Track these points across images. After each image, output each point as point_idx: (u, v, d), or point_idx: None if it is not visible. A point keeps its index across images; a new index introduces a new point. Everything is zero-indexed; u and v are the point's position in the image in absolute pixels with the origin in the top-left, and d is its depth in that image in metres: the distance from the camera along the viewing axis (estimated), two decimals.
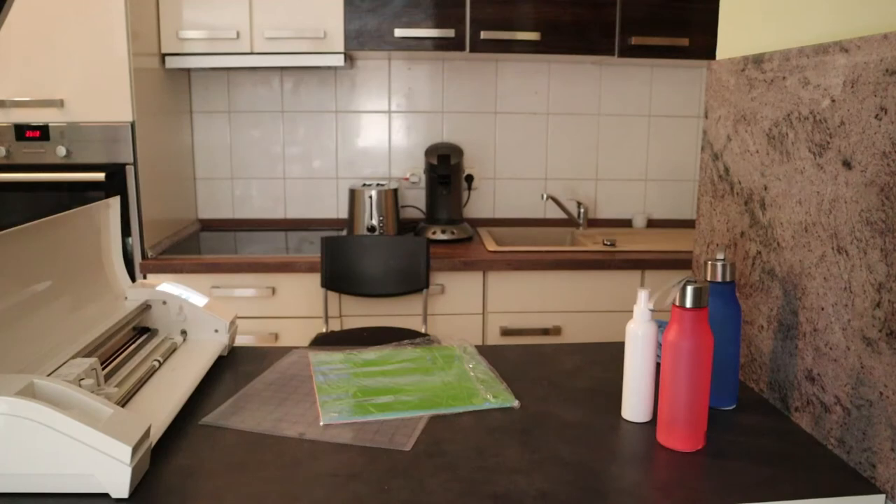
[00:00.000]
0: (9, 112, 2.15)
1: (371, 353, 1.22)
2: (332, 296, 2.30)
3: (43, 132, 2.16)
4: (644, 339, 0.93)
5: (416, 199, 2.83)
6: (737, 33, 1.17)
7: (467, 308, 2.32)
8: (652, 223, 2.90)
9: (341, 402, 1.02)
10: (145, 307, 1.19)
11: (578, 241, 2.71)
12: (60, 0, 2.10)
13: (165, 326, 1.20)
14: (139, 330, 1.18)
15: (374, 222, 2.51)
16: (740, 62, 1.11)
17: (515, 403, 1.02)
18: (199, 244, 2.52)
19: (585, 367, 1.17)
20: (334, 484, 0.79)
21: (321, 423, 0.95)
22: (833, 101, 0.88)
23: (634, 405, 0.95)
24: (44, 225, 0.99)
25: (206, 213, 2.81)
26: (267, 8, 2.34)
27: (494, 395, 1.04)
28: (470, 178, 2.80)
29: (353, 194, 2.53)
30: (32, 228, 0.95)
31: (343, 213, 2.84)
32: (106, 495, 0.75)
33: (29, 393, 0.76)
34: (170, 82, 2.50)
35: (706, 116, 1.22)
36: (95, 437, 0.73)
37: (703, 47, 2.46)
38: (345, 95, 2.77)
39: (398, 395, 1.05)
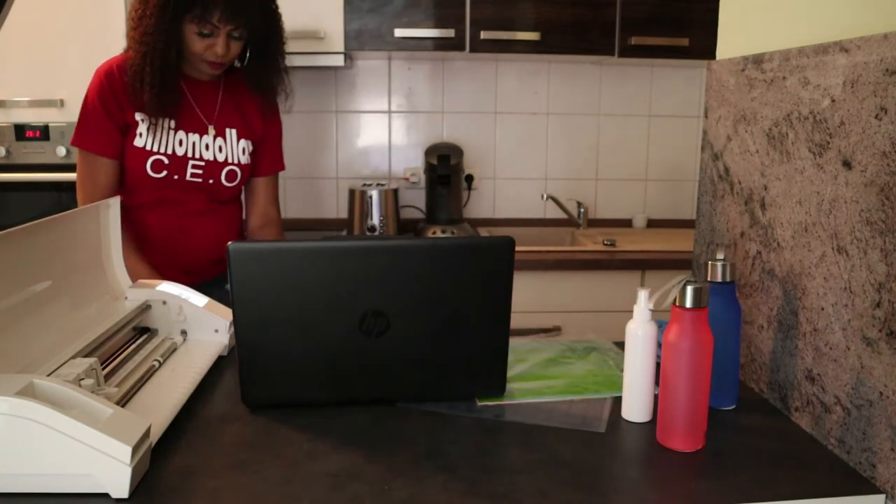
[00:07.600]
0: (9, 112, 2.15)
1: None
2: None
3: (43, 132, 2.16)
4: (644, 339, 0.92)
5: (416, 199, 2.82)
6: (737, 33, 1.17)
7: None
8: (652, 223, 2.90)
9: None
10: (145, 307, 1.19)
11: (578, 241, 2.71)
12: (60, 0, 2.10)
13: (165, 326, 1.20)
14: (139, 330, 1.18)
15: (375, 222, 2.51)
16: (740, 62, 1.11)
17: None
18: None
19: None
20: (334, 484, 0.79)
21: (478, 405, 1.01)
22: (833, 101, 0.88)
23: (634, 405, 0.95)
24: (44, 225, 0.99)
25: None
26: None
27: None
28: (470, 178, 2.80)
29: (353, 194, 2.53)
30: (32, 228, 0.95)
31: (343, 213, 2.83)
32: (106, 495, 0.75)
33: (29, 393, 0.76)
34: None
35: (706, 116, 1.22)
36: (95, 437, 0.73)
37: (703, 47, 2.46)
38: (344, 95, 2.77)
39: (546, 381, 1.10)
